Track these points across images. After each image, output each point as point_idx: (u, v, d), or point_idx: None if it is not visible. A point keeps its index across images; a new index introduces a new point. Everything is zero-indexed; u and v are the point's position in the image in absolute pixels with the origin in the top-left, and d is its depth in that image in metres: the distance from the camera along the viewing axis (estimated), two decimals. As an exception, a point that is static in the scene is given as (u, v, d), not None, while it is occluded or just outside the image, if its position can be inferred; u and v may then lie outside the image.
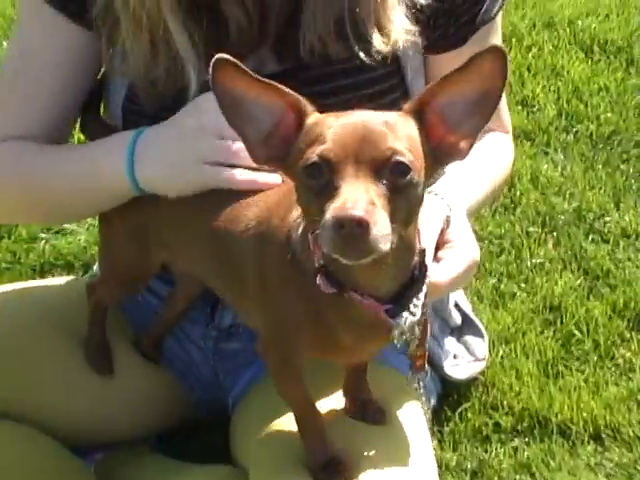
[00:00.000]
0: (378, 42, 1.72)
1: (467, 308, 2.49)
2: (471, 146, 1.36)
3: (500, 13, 1.90)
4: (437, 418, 2.31)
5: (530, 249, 2.91)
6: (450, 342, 2.37)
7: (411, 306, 1.44)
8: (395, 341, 1.47)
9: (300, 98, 1.37)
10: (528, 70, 3.83)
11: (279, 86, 1.36)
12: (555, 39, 4.05)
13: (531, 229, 2.98)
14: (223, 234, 1.64)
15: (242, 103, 1.36)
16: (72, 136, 2.07)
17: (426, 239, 1.50)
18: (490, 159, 1.98)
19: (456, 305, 2.44)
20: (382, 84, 1.81)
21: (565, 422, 2.33)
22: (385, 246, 1.22)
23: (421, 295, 1.46)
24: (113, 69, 1.86)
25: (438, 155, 1.35)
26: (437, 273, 1.52)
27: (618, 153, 3.36)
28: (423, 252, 1.45)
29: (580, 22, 4.16)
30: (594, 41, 4.03)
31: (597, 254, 2.86)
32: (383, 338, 1.52)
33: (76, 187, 1.82)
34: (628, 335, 2.58)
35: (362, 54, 1.73)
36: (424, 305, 1.47)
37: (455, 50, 1.86)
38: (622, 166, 3.29)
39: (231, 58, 1.32)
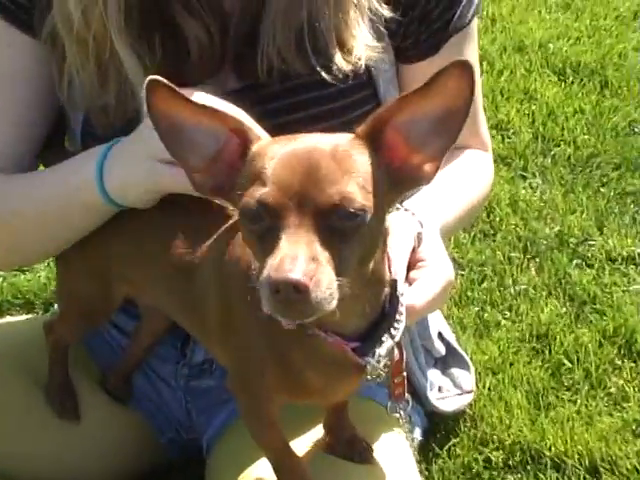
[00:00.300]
0: (339, 59, 1.63)
1: (451, 338, 2.37)
2: (437, 169, 1.22)
3: (475, 20, 1.81)
4: (424, 455, 2.18)
5: (513, 275, 2.80)
6: (434, 374, 2.25)
7: (384, 338, 1.32)
8: (369, 378, 1.35)
9: (243, 122, 1.24)
10: (501, 94, 3.76)
11: (219, 110, 1.23)
12: (527, 62, 3.99)
13: (513, 255, 2.88)
14: (184, 266, 1.52)
15: (181, 128, 1.23)
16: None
17: (397, 260, 1.38)
18: (467, 176, 1.88)
19: (439, 335, 2.32)
20: (352, 96, 1.70)
21: (559, 456, 2.20)
22: (330, 305, 1.11)
23: (395, 329, 1.34)
24: (64, 96, 1.74)
25: (400, 180, 1.23)
26: (411, 296, 1.40)
27: (598, 176, 3.28)
28: (394, 283, 1.33)
29: (551, 45, 4.11)
30: (566, 64, 3.98)
31: (582, 279, 2.76)
32: (354, 378, 1.41)
33: (48, 208, 1.68)
34: (619, 362, 2.47)
35: (322, 71, 1.63)
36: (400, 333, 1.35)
37: (428, 59, 1.77)
38: (602, 189, 3.21)
39: (165, 81, 1.19)
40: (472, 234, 2.96)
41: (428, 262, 1.47)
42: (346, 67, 1.64)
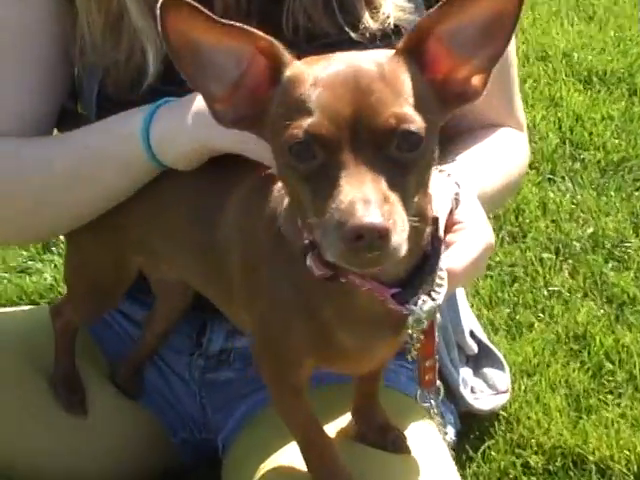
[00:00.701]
0: (366, 17, 1.53)
1: (483, 336, 2.21)
2: (486, 82, 1.11)
3: None
4: (457, 458, 2.00)
5: (545, 277, 2.65)
6: (467, 373, 2.09)
7: (427, 287, 1.18)
8: (410, 331, 1.20)
9: (274, 42, 1.10)
10: (525, 101, 3.61)
11: (246, 27, 1.09)
12: (551, 71, 3.86)
13: (544, 256, 2.73)
14: (204, 219, 1.38)
15: (199, 50, 1.09)
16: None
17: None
18: (504, 150, 1.75)
19: (471, 333, 2.16)
20: None
21: (604, 460, 2.03)
22: (404, 250, 1.01)
23: (438, 275, 1.20)
24: (77, 57, 1.61)
25: (448, 97, 1.11)
26: (449, 259, 1.26)
27: (630, 180, 3.14)
28: (436, 221, 1.19)
29: (576, 55, 3.99)
30: (592, 72, 3.86)
31: (620, 281, 2.60)
32: (392, 338, 1.26)
33: (81, 163, 1.52)
34: (664, 364, 2.30)
35: (349, 29, 1.51)
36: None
37: None
38: (636, 192, 3.06)
39: None
40: (500, 236, 2.81)
41: (466, 224, 1.34)
42: (374, 26, 1.53)
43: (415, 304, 1.16)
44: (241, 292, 1.33)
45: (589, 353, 2.34)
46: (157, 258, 1.57)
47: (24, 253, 2.80)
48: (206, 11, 1.07)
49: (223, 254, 1.36)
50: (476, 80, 1.11)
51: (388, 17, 1.54)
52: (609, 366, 2.30)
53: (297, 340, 1.25)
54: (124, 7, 1.49)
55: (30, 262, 2.75)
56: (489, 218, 1.41)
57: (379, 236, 0.95)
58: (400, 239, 0.98)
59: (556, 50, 4.02)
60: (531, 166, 3.21)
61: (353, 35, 1.53)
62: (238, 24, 1.09)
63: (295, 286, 1.21)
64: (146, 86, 1.53)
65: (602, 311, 2.50)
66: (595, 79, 3.82)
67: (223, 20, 1.09)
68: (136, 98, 1.52)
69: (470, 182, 1.45)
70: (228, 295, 1.41)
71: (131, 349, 1.87)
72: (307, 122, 1.01)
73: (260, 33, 1.10)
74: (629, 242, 2.79)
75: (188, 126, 1.38)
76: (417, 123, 1.02)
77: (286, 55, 1.10)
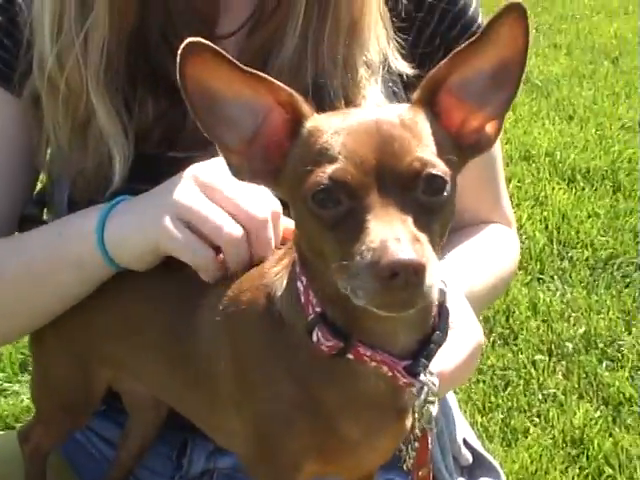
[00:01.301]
0: None
1: (477, 445, 2.12)
2: (499, 129, 1.09)
3: None
4: None
5: (539, 380, 2.58)
6: (462, 485, 2.00)
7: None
8: (417, 404, 1.13)
9: (294, 94, 1.06)
10: (511, 201, 3.59)
11: (266, 77, 1.05)
12: (535, 170, 3.86)
13: (537, 358, 2.66)
14: (178, 330, 1.31)
15: (217, 98, 1.05)
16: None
17: None
18: (492, 247, 1.69)
19: (464, 441, 2.08)
20: None
21: None
22: (436, 291, 0.97)
23: (431, 397, 1.13)
24: (44, 162, 1.57)
25: (463, 146, 1.09)
26: (438, 361, 1.19)
27: (620, 276, 3.10)
28: (444, 292, 1.13)
29: (558, 153, 4.00)
30: (575, 170, 3.86)
31: (615, 381, 2.54)
32: (396, 425, 1.18)
33: (35, 264, 1.46)
34: (666, 467, 2.22)
35: None
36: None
37: None
38: (626, 289, 3.01)
39: (207, 42, 1.01)
40: (491, 339, 2.76)
41: (454, 324, 1.28)
42: None
43: (425, 377, 1.10)
44: (232, 398, 1.26)
45: (587, 458, 2.27)
46: (127, 372, 1.50)
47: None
48: (229, 56, 1.03)
49: (204, 364, 1.29)
50: (489, 128, 1.09)
51: None
52: (609, 471, 2.22)
53: (298, 437, 1.17)
54: (92, 111, 1.45)
55: (6, 384, 2.67)
56: (479, 318, 1.36)
57: (414, 272, 0.92)
58: (433, 279, 0.94)
59: (539, 149, 4.03)
60: (520, 266, 3.17)
61: None
62: (259, 73, 1.05)
63: (296, 377, 1.14)
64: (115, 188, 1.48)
65: (599, 413, 2.43)
66: (579, 177, 3.82)
67: (244, 67, 1.04)
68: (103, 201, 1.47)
69: (458, 281, 1.40)
70: (209, 406, 1.34)
71: (107, 472, 1.78)
72: (331, 168, 0.98)
73: (280, 84, 1.05)
74: (622, 340, 2.73)
75: (142, 226, 1.33)
76: (441, 167, 1.00)
77: (306, 107, 1.06)
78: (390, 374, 1.10)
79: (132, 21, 1.42)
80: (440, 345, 1.12)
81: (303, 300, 1.10)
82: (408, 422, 1.18)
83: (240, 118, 1.06)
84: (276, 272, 1.18)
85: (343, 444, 1.17)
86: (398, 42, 1.52)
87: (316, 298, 1.09)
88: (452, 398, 2.00)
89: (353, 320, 1.07)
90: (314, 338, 1.09)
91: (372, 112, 1.05)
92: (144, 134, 1.46)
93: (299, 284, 1.11)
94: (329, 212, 0.99)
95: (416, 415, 1.14)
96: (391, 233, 0.93)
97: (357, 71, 1.48)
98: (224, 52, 1.02)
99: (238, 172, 1.08)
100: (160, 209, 1.30)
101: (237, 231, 1.26)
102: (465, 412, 2.40)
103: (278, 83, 1.04)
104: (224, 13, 1.49)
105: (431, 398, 1.12)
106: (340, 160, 0.98)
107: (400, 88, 1.55)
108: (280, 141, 1.06)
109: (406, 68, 1.51)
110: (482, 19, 1.57)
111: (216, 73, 1.02)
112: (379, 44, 1.49)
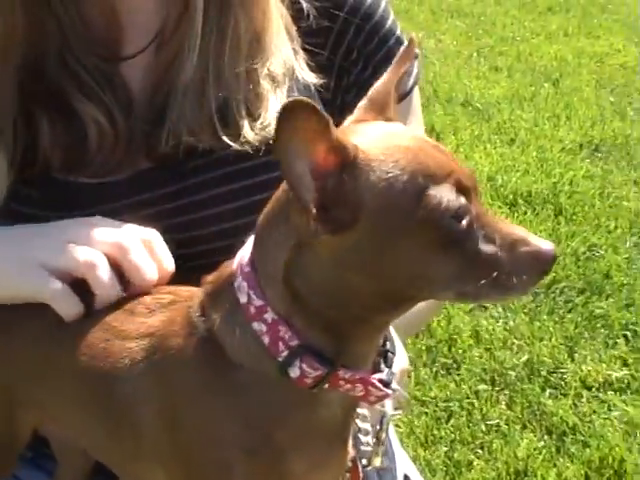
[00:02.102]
0: (249, 132, 1.44)
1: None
2: None
3: (416, 89, 1.62)
4: None
5: (482, 410, 2.54)
6: (403, 521, 1.95)
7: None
8: (387, 415, 1.20)
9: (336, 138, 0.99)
10: (452, 227, 3.58)
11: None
12: (476, 195, 3.83)
13: (480, 388, 2.62)
14: (101, 375, 1.25)
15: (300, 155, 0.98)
16: None
17: None
18: None
19: (406, 477, 2.04)
20: (273, 172, 1.49)
21: None
22: None
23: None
24: None
25: None
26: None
27: (562, 302, 3.08)
28: None
29: (500, 177, 3.99)
30: (517, 194, 3.85)
31: (559, 409, 2.51)
32: (341, 456, 1.17)
33: None
34: (610, 497, 2.20)
35: (231, 141, 1.44)
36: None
37: None
38: (569, 315, 3.00)
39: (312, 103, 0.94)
40: (434, 370, 2.72)
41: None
42: (253, 137, 1.45)
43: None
44: (158, 447, 1.20)
45: (531, 489, 2.23)
46: (49, 415, 1.43)
47: None
48: (326, 115, 0.96)
49: (127, 413, 1.23)
50: None
51: (268, 126, 1.46)
52: (553, 502, 2.19)
53: (231, 470, 1.12)
54: None
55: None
56: (404, 343, 1.33)
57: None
58: None
59: (480, 174, 4.01)
60: (461, 294, 3.15)
61: (235, 145, 1.45)
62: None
63: (241, 419, 1.10)
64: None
65: (542, 443, 2.40)
66: (520, 201, 3.81)
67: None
68: None
69: None
70: (132, 456, 1.28)
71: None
72: (448, 188, 0.99)
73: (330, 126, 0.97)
74: (565, 367, 2.71)
75: (23, 277, 1.27)
76: None
77: (351, 144, 0.99)
78: (362, 393, 1.09)
79: (25, 46, 1.38)
80: (394, 354, 1.14)
81: (268, 339, 1.07)
82: (350, 452, 1.17)
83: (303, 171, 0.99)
84: (221, 309, 1.12)
85: None
86: (313, 56, 1.50)
87: (298, 329, 1.05)
88: (392, 432, 1.97)
89: (341, 344, 1.06)
90: (294, 373, 1.06)
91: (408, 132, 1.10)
92: (45, 158, 1.41)
93: (257, 325, 1.07)
94: (457, 227, 1.00)
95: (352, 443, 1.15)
96: (524, 232, 1.02)
97: (259, 84, 1.46)
98: (322, 111, 0.95)
99: (317, 233, 1.01)
100: (34, 265, 1.25)
101: (95, 257, 1.22)
102: (407, 446, 2.36)
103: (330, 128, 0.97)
104: (128, 34, 1.47)
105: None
106: (449, 178, 1.00)
107: (316, 98, 1.53)
108: (327, 179, 1.00)
109: (313, 79, 1.50)
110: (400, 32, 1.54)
111: (311, 131, 0.96)
112: (283, 57, 1.47)
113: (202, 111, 1.43)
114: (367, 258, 1.02)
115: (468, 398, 2.60)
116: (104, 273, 1.23)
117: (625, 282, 3.21)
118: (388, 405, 1.21)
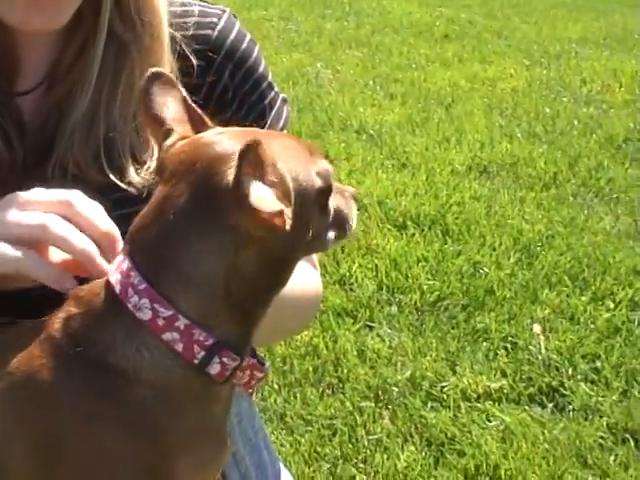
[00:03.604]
0: (132, 172, 1.50)
1: (300, 497, 2.14)
2: None
3: (285, 131, 1.70)
4: None
5: (365, 426, 2.60)
6: (283, 538, 2.00)
7: None
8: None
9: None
10: (342, 250, 3.65)
11: None
12: (367, 219, 3.92)
13: (363, 404, 2.69)
14: None
15: None
16: None
17: None
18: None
19: (286, 495, 2.08)
20: None
21: None
22: None
23: None
24: None
25: None
26: None
27: (446, 318, 3.17)
28: None
29: (389, 201, 4.08)
30: (406, 217, 3.94)
31: (438, 421, 2.59)
32: (224, 453, 1.20)
33: None
34: (485, 502, 2.27)
35: (116, 179, 1.49)
36: None
37: None
38: (452, 330, 3.09)
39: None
40: (320, 390, 2.77)
41: None
42: (138, 180, 1.51)
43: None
44: None
45: (409, 500, 2.29)
46: None
47: None
48: None
49: None
50: None
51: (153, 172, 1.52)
52: (430, 511, 2.25)
53: None
54: None
55: None
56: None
57: None
58: None
59: (371, 198, 4.10)
60: (349, 314, 3.22)
61: (121, 184, 1.50)
62: None
63: (138, 437, 1.10)
64: None
65: (422, 454, 2.47)
66: (409, 223, 3.90)
67: None
68: None
69: None
70: None
71: None
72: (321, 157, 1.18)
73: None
74: (446, 381, 2.79)
75: None
76: None
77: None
78: (247, 379, 1.17)
79: None
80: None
81: (182, 345, 1.10)
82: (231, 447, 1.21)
83: None
84: (113, 328, 1.13)
85: None
86: (191, 95, 1.55)
87: (212, 328, 1.10)
88: (272, 452, 2.02)
89: (248, 333, 1.15)
90: (214, 370, 1.10)
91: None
92: None
93: (168, 335, 1.09)
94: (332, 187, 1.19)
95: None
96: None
97: (144, 129, 1.53)
98: None
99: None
100: None
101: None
102: (291, 465, 2.40)
103: None
104: (23, 70, 1.51)
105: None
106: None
107: None
108: None
109: None
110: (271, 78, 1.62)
111: None
112: None
113: (89, 148, 1.47)
114: (290, 239, 1.10)
115: (352, 415, 2.65)
116: (58, 226, 1.23)
117: (507, 296, 3.32)
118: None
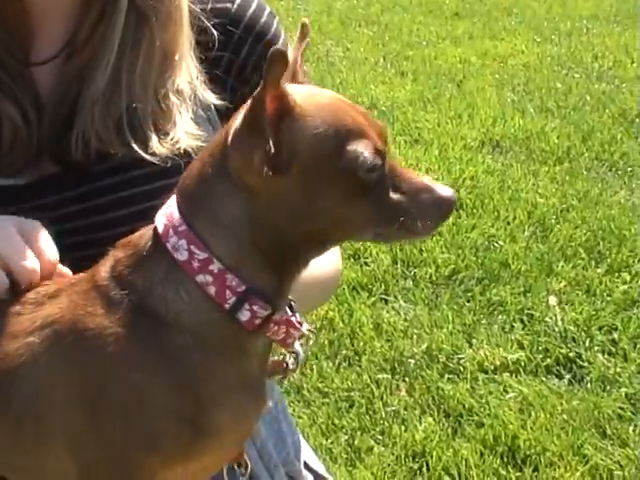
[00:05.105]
0: (156, 142, 1.49)
1: (319, 467, 2.12)
2: None
3: None
4: None
5: (382, 398, 2.59)
6: (303, 509, 1.99)
7: None
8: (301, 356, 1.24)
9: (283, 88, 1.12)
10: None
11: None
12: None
13: (380, 377, 2.68)
14: None
15: None
16: None
17: None
18: None
19: (305, 465, 2.08)
20: (174, 177, 1.53)
21: None
22: None
23: None
24: None
25: None
26: None
27: (462, 291, 3.16)
28: None
29: (402, 176, 4.07)
30: (419, 192, 3.92)
31: (456, 393, 2.58)
32: (260, 406, 1.20)
33: None
34: (504, 472, 2.27)
35: (140, 150, 1.48)
36: None
37: None
38: (468, 303, 3.08)
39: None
40: (336, 362, 2.76)
41: None
42: (162, 150, 1.50)
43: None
44: (69, 432, 1.18)
45: (428, 469, 2.28)
46: None
47: None
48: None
49: (29, 405, 1.21)
50: None
51: (177, 142, 1.51)
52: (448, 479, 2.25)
53: (160, 452, 1.13)
54: None
55: None
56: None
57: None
58: None
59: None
60: (364, 288, 3.21)
61: (145, 155, 1.49)
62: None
63: (175, 386, 1.11)
64: None
65: (440, 426, 2.46)
66: (422, 198, 3.88)
67: None
68: None
69: None
70: (32, 449, 1.26)
71: None
72: (367, 141, 1.10)
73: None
74: (463, 353, 2.78)
75: None
76: None
77: (293, 98, 1.10)
78: (283, 335, 1.17)
79: None
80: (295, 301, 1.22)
81: (215, 289, 1.11)
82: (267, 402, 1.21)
83: None
84: (147, 272, 1.14)
85: (205, 435, 1.14)
86: (208, 73, 1.54)
87: (244, 275, 1.12)
88: (292, 424, 2.01)
89: (280, 284, 1.15)
90: (244, 317, 1.12)
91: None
92: None
93: (202, 277, 1.11)
94: (373, 175, 1.11)
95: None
96: (425, 179, 1.13)
97: (168, 99, 1.51)
98: None
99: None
100: None
101: None
102: (309, 437, 2.40)
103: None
104: (38, 40, 1.49)
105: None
106: (366, 132, 1.11)
107: (214, 116, 1.57)
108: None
109: (213, 99, 1.54)
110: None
111: None
112: (190, 74, 1.52)
113: (111, 120, 1.46)
114: (300, 202, 1.11)
115: (369, 387, 2.65)
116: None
117: (522, 269, 3.30)
118: (298, 346, 1.24)
